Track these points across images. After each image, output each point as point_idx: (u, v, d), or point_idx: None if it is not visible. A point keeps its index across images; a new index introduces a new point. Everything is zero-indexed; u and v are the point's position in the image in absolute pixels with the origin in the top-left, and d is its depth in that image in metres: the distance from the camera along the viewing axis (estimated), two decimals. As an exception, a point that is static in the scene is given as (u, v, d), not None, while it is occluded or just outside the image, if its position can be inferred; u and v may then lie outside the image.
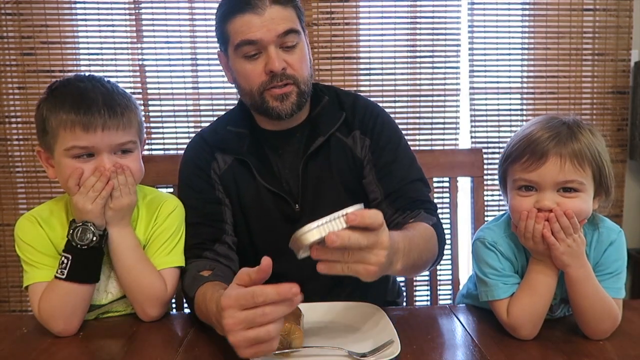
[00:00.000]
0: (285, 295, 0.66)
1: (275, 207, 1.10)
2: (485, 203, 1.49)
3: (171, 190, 1.40)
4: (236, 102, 1.21)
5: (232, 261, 1.08)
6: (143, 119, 1.05)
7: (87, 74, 1.01)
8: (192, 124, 2.34)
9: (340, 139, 1.12)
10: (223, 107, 2.31)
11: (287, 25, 1.01)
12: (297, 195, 1.10)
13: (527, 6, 2.35)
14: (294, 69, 1.04)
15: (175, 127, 2.34)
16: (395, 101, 2.35)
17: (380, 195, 1.09)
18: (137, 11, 2.27)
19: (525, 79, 2.39)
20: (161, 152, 2.33)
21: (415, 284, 1.59)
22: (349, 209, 0.68)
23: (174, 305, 1.38)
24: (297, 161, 1.11)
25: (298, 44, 1.04)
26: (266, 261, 0.70)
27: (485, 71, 2.37)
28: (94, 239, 0.94)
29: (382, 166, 1.10)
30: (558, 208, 0.85)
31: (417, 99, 2.36)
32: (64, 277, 0.93)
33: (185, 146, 1.19)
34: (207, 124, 1.22)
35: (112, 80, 1.02)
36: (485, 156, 1.47)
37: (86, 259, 0.95)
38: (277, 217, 1.11)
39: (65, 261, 0.93)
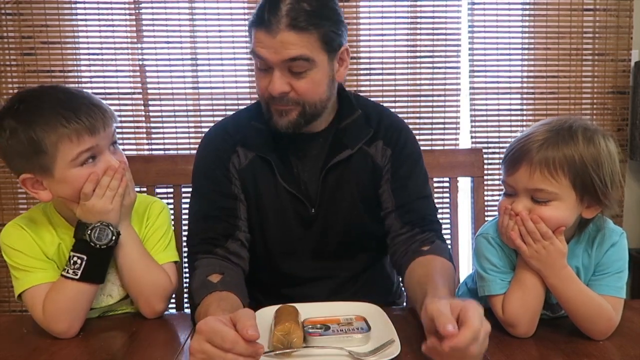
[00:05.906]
0: (254, 354, 0.67)
1: (291, 208, 1.11)
2: (485, 203, 1.49)
3: (171, 190, 1.39)
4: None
5: (243, 259, 1.07)
6: None
7: (34, 86, 0.98)
8: (192, 124, 2.33)
9: (363, 149, 1.12)
10: (223, 107, 2.30)
11: (297, 52, 0.96)
12: (315, 199, 1.11)
13: (527, 6, 2.35)
14: (299, 94, 1.01)
15: (175, 127, 2.33)
16: (395, 101, 2.35)
17: (392, 206, 1.11)
18: (137, 11, 2.27)
19: (525, 79, 2.39)
20: (161, 152, 2.32)
21: (415, 284, 1.59)
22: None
23: (173, 305, 1.38)
24: (317, 166, 1.10)
25: (309, 71, 0.99)
26: (254, 338, 0.68)
27: (485, 71, 2.38)
28: (113, 238, 0.94)
29: (398, 178, 1.11)
30: (524, 212, 0.86)
31: (417, 99, 2.37)
32: (77, 277, 0.93)
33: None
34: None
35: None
36: (485, 156, 1.48)
37: (102, 259, 0.95)
38: (292, 217, 1.11)
39: (79, 262, 0.93)
